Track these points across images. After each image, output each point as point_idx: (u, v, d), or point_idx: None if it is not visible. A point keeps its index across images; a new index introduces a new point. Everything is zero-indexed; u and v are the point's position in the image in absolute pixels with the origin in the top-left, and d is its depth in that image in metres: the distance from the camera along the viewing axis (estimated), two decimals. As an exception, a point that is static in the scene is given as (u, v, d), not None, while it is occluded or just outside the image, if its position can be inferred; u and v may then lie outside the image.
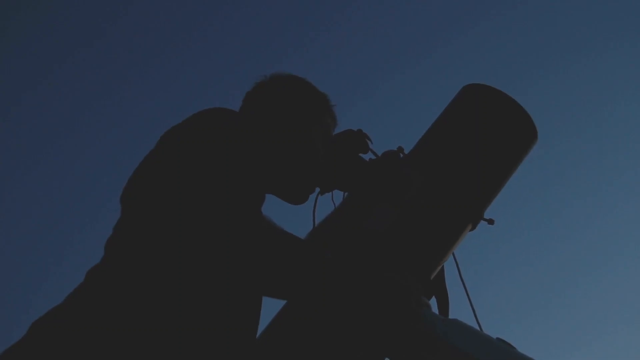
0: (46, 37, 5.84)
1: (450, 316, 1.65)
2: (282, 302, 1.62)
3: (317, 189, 1.79)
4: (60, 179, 5.91)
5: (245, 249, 1.37)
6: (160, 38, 6.03)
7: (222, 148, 1.44)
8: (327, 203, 1.79)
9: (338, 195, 1.81)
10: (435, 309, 1.64)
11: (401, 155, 1.76)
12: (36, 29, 5.77)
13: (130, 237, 1.44)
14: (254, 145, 1.52)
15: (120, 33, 5.96)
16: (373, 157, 1.79)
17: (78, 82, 5.90)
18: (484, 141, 1.75)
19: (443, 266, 1.73)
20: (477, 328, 1.63)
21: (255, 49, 5.92)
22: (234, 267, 1.38)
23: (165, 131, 1.52)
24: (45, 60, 5.82)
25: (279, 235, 1.39)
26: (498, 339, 1.43)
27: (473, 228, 1.74)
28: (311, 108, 1.75)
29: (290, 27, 6.08)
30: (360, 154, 1.79)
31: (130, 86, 6.03)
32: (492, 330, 1.58)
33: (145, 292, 1.37)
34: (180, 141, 1.47)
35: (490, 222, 1.74)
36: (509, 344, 1.42)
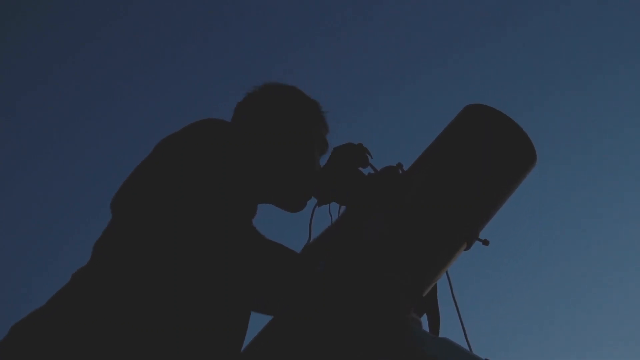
0: (46, 37, 5.85)
1: (441, 335, 1.65)
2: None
3: (315, 201, 1.80)
4: (59, 179, 5.89)
5: (235, 259, 1.38)
6: (160, 39, 6.04)
7: (216, 159, 1.46)
8: (324, 215, 1.79)
9: (335, 208, 1.82)
10: (426, 327, 1.64)
11: (400, 171, 1.76)
12: (36, 29, 5.77)
13: (122, 243, 1.45)
14: (250, 155, 1.54)
15: (120, 34, 5.97)
16: (372, 171, 1.80)
17: (77, 83, 5.90)
18: (482, 161, 1.75)
19: (436, 284, 1.73)
20: (467, 348, 1.63)
21: (256, 58, 5.94)
22: (222, 276, 1.39)
23: (160, 140, 1.54)
24: (45, 60, 5.82)
25: (267, 247, 1.40)
26: (487, 360, 1.43)
27: (468, 248, 1.74)
28: (306, 113, 1.76)
29: (293, 36, 6.10)
30: (360, 168, 1.79)
31: (129, 87, 6.03)
32: (481, 351, 1.58)
33: (133, 296, 1.38)
34: (175, 151, 1.49)
35: (485, 243, 1.75)
36: (498, 366, 1.42)
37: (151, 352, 1.35)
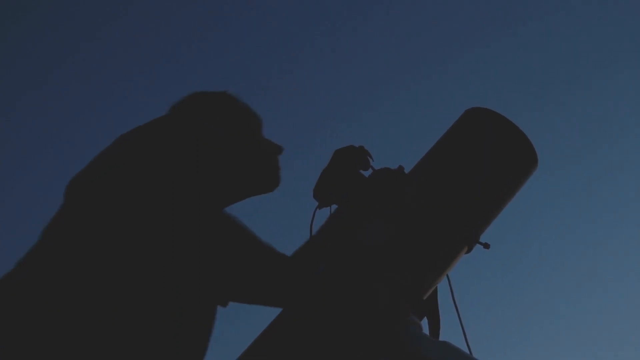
0: (46, 37, 5.85)
1: (441, 338, 1.65)
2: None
3: (315, 203, 1.80)
4: (59, 180, 5.87)
5: (198, 248, 1.40)
6: (160, 39, 6.04)
7: (178, 155, 1.50)
8: (325, 217, 1.79)
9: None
10: (426, 330, 1.64)
11: (401, 174, 1.76)
12: (36, 29, 5.78)
13: (76, 231, 1.44)
14: (209, 150, 1.59)
15: (120, 34, 5.97)
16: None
17: (77, 83, 5.90)
18: (483, 164, 1.76)
19: (436, 288, 1.73)
20: (467, 352, 1.63)
21: (256, 58, 5.94)
22: (182, 271, 1.41)
23: (124, 133, 1.56)
24: (45, 60, 5.82)
25: (237, 236, 1.43)
26: (487, 364, 1.43)
27: (469, 251, 1.74)
28: (244, 111, 1.81)
29: (294, 36, 6.09)
30: (361, 171, 1.79)
31: (129, 87, 6.04)
32: (482, 355, 1.58)
33: (87, 287, 1.37)
34: (137, 145, 1.51)
35: (486, 246, 1.75)
36: (498, 370, 1.42)
37: (103, 342, 1.33)
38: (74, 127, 5.91)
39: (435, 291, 1.74)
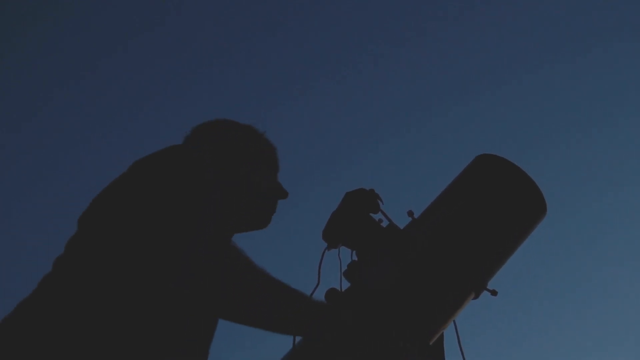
0: (56, 50, 5.92)
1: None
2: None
3: (324, 245, 1.81)
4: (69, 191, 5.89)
5: (197, 277, 1.45)
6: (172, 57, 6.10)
7: (184, 186, 1.57)
8: (334, 259, 1.80)
9: (344, 252, 1.82)
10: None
11: (411, 218, 1.78)
12: (50, 42, 5.85)
13: (86, 260, 1.52)
14: (213, 182, 1.67)
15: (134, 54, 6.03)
16: (383, 217, 1.81)
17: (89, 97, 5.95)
18: (492, 212, 1.77)
19: (443, 333, 1.74)
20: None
21: (265, 97, 6.00)
22: (182, 296, 1.45)
23: (135, 161, 1.63)
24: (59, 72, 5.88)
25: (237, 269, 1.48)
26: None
27: (476, 297, 1.75)
28: (252, 140, 1.90)
29: (312, 76, 6.15)
30: (371, 214, 1.81)
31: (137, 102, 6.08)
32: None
33: (97, 310, 1.45)
34: (147, 174, 1.59)
35: (493, 293, 1.75)
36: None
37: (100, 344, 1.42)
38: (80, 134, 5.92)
39: (442, 337, 1.74)
